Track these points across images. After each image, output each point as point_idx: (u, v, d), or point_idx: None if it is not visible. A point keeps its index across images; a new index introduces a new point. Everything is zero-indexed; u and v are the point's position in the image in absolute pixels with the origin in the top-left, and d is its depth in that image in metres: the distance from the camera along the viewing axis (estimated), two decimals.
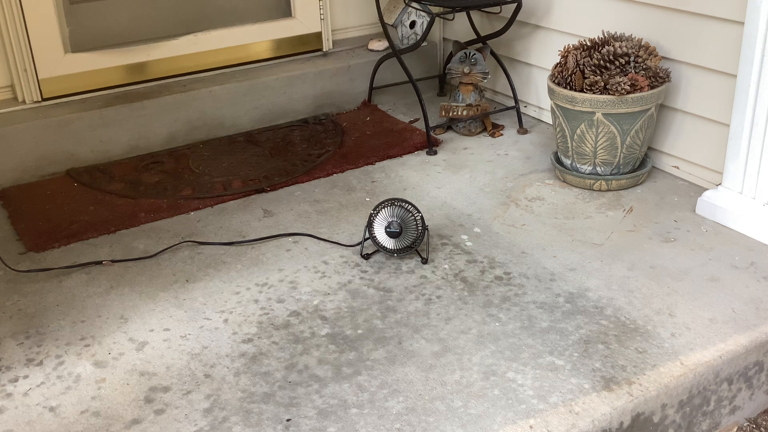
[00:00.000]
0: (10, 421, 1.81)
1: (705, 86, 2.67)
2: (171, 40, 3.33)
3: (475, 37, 3.39)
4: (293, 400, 1.85)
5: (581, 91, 2.68)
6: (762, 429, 2.11)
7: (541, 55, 3.29)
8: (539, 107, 3.41)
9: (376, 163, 3.06)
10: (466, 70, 3.19)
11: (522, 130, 3.30)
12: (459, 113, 3.23)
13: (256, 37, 3.51)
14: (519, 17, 3.23)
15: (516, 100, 3.35)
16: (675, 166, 2.86)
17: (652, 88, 2.65)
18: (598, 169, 2.76)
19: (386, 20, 3.51)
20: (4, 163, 2.92)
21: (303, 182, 2.92)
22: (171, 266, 2.41)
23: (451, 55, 3.31)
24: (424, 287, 2.26)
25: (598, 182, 2.76)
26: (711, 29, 2.59)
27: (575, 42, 2.82)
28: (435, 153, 3.13)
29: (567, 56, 2.76)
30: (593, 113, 2.65)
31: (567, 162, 2.82)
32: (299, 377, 1.92)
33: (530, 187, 2.82)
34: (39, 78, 3.08)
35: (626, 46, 2.69)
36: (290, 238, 2.55)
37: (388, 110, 3.55)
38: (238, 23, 3.47)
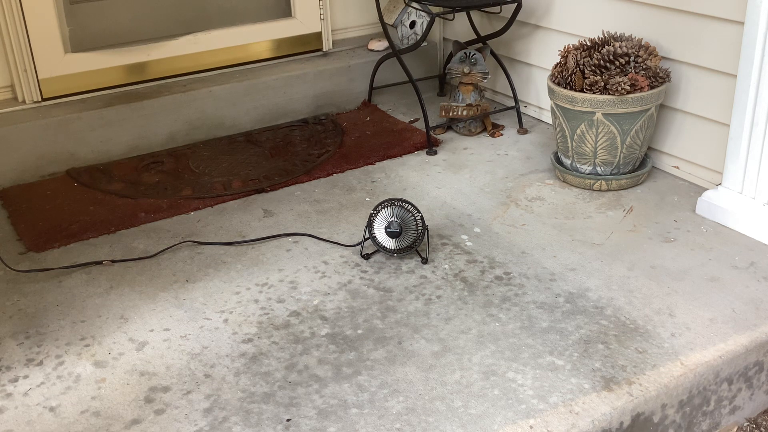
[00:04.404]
0: (10, 421, 1.81)
1: (705, 86, 2.67)
2: (171, 40, 3.33)
3: (475, 37, 3.39)
4: (293, 400, 1.85)
5: (581, 91, 2.68)
6: (762, 429, 2.11)
7: (541, 55, 3.29)
8: (539, 107, 3.41)
9: (376, 163, 3.06)
10: (466, 70, 3.19)
11: (522, 130, 3.30)
12: (459, 113, 3.23)
13: (256, 37, 3.51)
14: (519, 17, 3.23)
15: (516, 100, 3.35)
16: (675, 166, 2.86)
17: (652, 88, 2.65)
18: (598, 169, 2.76)
19: (386, 20, 3.51)
20: (4, 163, 2.92)
21: (303, 182, 2.92)
22: (171, 266, 2.41)
23: (451, 55, 3.31)
24: (424, 287, 2.26)
25: (598, 182, 2.76)
26: (711, 29, 2.59)
27: (575, 42, 2.82)
28: (435, 153, 3.13)
29: (567, 56, 2.76)
30: (593, 113, 2.65)
31: (567, 162, 2.82)
32: (299, 377, 1.92)
33: (530, 187, 2.82)
34: (39, 78, 3.08)
35: (626, 46, 2.69)
36: (290, 238, 2.55)
37: (388, 110, 3.55)
38: (238, 23, 3.47)
